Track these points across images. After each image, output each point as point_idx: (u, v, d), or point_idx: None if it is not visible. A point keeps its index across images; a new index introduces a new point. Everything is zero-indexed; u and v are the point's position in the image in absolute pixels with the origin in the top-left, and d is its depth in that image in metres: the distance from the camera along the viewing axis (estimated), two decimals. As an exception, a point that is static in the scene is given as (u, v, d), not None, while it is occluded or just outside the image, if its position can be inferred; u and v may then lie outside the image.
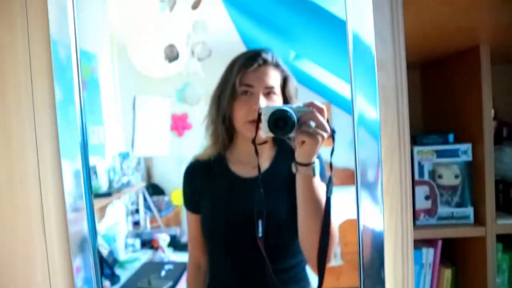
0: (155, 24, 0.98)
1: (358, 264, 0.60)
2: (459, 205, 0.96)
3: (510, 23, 0.76)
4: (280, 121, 0.67)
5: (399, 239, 0.60)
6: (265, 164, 0.76)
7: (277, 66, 0.74)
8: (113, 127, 1.17)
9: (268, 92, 0.73)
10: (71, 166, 0.62)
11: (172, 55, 0.93)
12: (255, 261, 0.76)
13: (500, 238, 0.95)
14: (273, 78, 0.73)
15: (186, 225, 0.86)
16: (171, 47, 0.94)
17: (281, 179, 0.76)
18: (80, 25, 0.63)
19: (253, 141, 0.71)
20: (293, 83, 0.75)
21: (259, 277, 0.78)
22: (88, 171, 0.64)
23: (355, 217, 0.61)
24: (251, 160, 0.74)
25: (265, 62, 0.73)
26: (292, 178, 0.73)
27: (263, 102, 0.72)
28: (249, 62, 0.73)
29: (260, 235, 0.72)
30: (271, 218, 0.74)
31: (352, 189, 0.64)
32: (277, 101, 0.74)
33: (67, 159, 0.61)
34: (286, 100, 0.75)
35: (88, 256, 0.61)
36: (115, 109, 1.15)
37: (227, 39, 0.92)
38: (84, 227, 0.61)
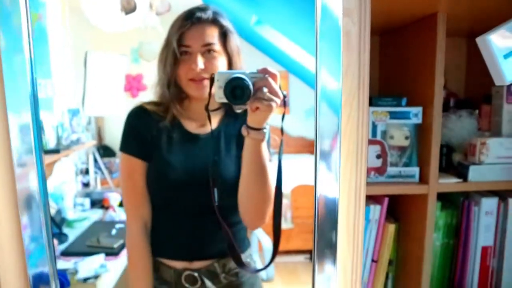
0: (110, -28, 0.91)
1: (308, 228, 0.62)
2: (407, 165, 1.02)
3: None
4: (237, 90, 0.66)
5: (352, 192, 0.63)
6: (213, 125, 0.78)
7: (214, 22, 0.73)
8: (62, 81, 1.10)
9: (208, 50, 0.73)
10: (18, 119, 0.58)
11: (128, 7, 0.88)
12: (205, 212, 0.78)
13: (440, 197, 1.04)
14: (210, 35, 0.72)
15: (124, 174, 0.81)
16: (127, -3, 0.88)
17: (228, 138, 0.79)
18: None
19: (206, 109, 0.72)
20: (234, 38, 0.74)
21: (208, 230, 0.81)
22: (38, 126, 0.61)
23: (306, 182, 0.63)
24: (199, 118, 0.78)
25: (199, 20, 0.72)
26: (237, 138, 0.77)
27: (201, 60, 0.72)
28: (183, 23, 0.72)
29: (216, 203, 0.74)
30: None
31: (305, 157, 0.64)
32: (218, 58, 0.73)
33: (13, 112, 0.57)
34: (228, 57, 0.75)
35: (35, 214, 0.59)
36: (65, 63, 1.08)
37: (187, -6, 0.88)
38: (31, 183, 0.58)
